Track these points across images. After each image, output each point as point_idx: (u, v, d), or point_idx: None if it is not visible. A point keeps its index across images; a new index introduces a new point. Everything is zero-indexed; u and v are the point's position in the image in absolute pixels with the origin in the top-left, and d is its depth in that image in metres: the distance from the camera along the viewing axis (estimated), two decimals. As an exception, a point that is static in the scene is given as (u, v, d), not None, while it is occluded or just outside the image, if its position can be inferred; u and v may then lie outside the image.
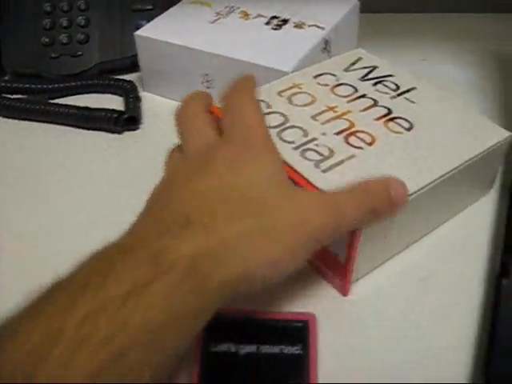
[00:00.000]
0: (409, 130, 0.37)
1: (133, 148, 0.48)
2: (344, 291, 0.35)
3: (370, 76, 0.43)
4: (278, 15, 0.52)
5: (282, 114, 0.38)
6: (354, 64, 0.44)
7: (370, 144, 0.36)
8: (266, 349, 0.31)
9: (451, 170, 0.34)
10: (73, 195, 0.44)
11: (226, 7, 0.54)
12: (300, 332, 0.32)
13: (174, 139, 0.33)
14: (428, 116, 0.38)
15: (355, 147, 0.36)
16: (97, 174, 0.45)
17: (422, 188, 0.33)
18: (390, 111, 0.39)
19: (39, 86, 0.54)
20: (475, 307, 0.35)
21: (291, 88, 0.41)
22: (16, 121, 0.51)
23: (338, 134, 0.37)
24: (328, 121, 0.38)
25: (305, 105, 0.39)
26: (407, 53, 0.58)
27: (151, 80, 0.54)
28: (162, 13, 0.54)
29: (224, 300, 0.26)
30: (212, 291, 0.25)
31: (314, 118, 0.38)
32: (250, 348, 0.31)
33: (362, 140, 0.36)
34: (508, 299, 0.33)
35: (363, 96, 0.40)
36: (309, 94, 0.40)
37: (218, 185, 0.28)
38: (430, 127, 0.37)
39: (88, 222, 0.41)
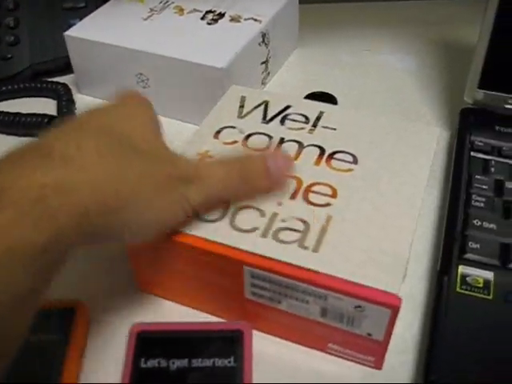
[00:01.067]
0: (356, 162, 0.34)
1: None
2: (379, 365, 0.31)
3: (270, 115, 0.38)
4: (213, 9, 0.51)
5: None
6: (242, 107, 0.39)
7: (333, 196, 0.32)
8: (198, 362, 0.30)
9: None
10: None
11: (160, 2, 0.52)
12: (233, 343, 0.31)
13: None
14: (359, 139, 0.36)
15: (322, 205, 0.32)
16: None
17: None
18: (322, 149, 0.35)
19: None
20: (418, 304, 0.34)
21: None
22: None
23: (292, 197, 0.32)
24: None
25: None
26: (350, 43, 0.57)
27: (85, 81, 0.52)
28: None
29: (80, 236, 0.24)
30: (62, 224, 0.23)
31: None
32: (182, 362, 0.30)
33: (322, 194, 0.32)
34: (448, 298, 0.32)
35: (282, 141, 0.36)
36: None
37: (93, 124, 0.28)
38: (371, 150, 0.35)
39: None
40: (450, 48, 0.56)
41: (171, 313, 0.34)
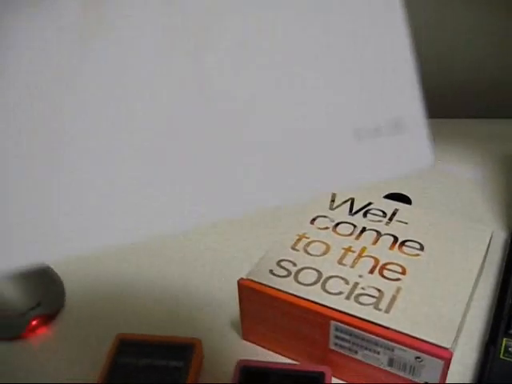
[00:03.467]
0: (422, 249, 0.43)
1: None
2: None
3: (355, 209, 0.48)
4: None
5: (313, 269, 0.42)
6: (333, 201, 0.49)
7: (403, 273, 0.41)
8: None
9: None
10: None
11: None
12: (318, 382, 0.39)
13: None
14: (426, 232, 0.45)
15: (394, 280, 0.41)
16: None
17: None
18: (395, 237, 0.45)
19: None
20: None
21: (300, 240, 0.45)
22: None
23: (371, 272, 0.42)
24: (354, 262, 0.42)
25: (324, 253, 0.43)
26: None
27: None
28: None
29: None
30: None
31: (340, 263, 0.42)
32: None
33: (394, 271, 0.42)
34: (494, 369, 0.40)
35: (364, 230, 0.46)
36: (320, 242, 0.45)
37: None
38: (435, 242, 0.44)
39: None
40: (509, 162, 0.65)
41: (264, 357, 0.43)
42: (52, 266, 0.50)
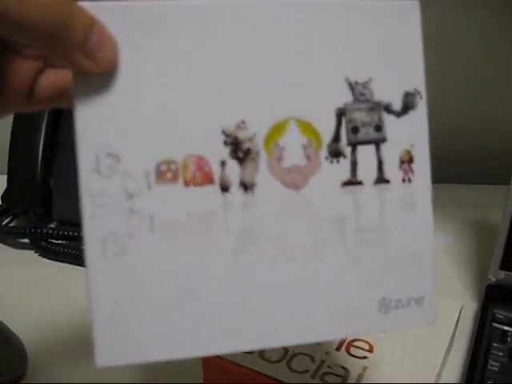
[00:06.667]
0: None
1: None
2: None
3: None
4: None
5: None
6: None
7: (370, 351, 0.41)
8: None
9: None
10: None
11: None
12: None
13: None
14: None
15: (360, 358, 0.40)
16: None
17: None
18: None
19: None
20: None
21: None
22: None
23: (338, 349, 0.41)
24: None
25: None
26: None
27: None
28: None
29: None
30: None
31: None
32: None
33: (362, 349, 0.41)
34: None
35: None
36: None
37: None
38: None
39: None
40: (483, 229, 0.65)
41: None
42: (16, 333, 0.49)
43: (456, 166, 0.73)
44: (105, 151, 0.25)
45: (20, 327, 0.49)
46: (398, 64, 0.28)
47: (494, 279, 0.53)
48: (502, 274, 0.52)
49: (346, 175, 0.28)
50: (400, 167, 0.29)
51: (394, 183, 0.28)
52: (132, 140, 0.25)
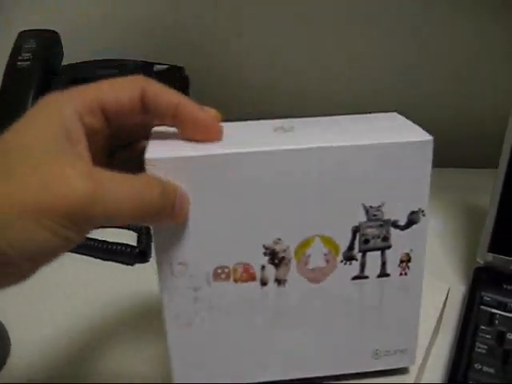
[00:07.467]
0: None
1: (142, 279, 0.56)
2: None
3: None
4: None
5: None
6: None
7: None
8: None
9: None
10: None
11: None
12: None
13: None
14: None
15: None
16: (108, 298, 0.53)
17: None
18: None
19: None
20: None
21: None
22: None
23: None
24: None
25: None
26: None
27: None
28: None
29: None
30: None
31: None
32: None
33: None
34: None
35: None
36: None
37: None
38: None
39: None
40: (472, 212, 0.65)
41: None
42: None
43: (443, 151, 0.73)
44: (176, 261, 0.33)
45: (3, 313, 0.49)
46: (408, 189, 0.33)
47: (482, 262, 0.52)
48: (491, 257, 0.51)
49: (355, 272, 0.35)
50: (399, 265, 0.35)
51: (393, 276, 0.35)
52: (196, 253, 0.33)
